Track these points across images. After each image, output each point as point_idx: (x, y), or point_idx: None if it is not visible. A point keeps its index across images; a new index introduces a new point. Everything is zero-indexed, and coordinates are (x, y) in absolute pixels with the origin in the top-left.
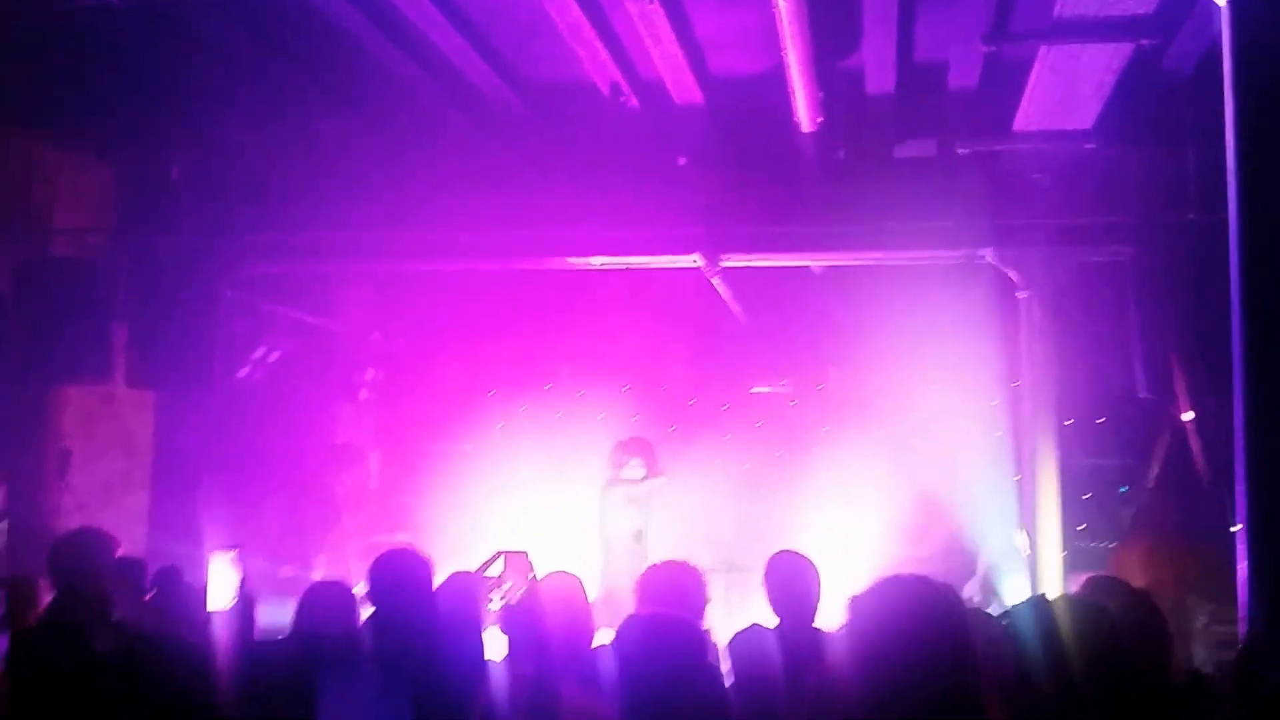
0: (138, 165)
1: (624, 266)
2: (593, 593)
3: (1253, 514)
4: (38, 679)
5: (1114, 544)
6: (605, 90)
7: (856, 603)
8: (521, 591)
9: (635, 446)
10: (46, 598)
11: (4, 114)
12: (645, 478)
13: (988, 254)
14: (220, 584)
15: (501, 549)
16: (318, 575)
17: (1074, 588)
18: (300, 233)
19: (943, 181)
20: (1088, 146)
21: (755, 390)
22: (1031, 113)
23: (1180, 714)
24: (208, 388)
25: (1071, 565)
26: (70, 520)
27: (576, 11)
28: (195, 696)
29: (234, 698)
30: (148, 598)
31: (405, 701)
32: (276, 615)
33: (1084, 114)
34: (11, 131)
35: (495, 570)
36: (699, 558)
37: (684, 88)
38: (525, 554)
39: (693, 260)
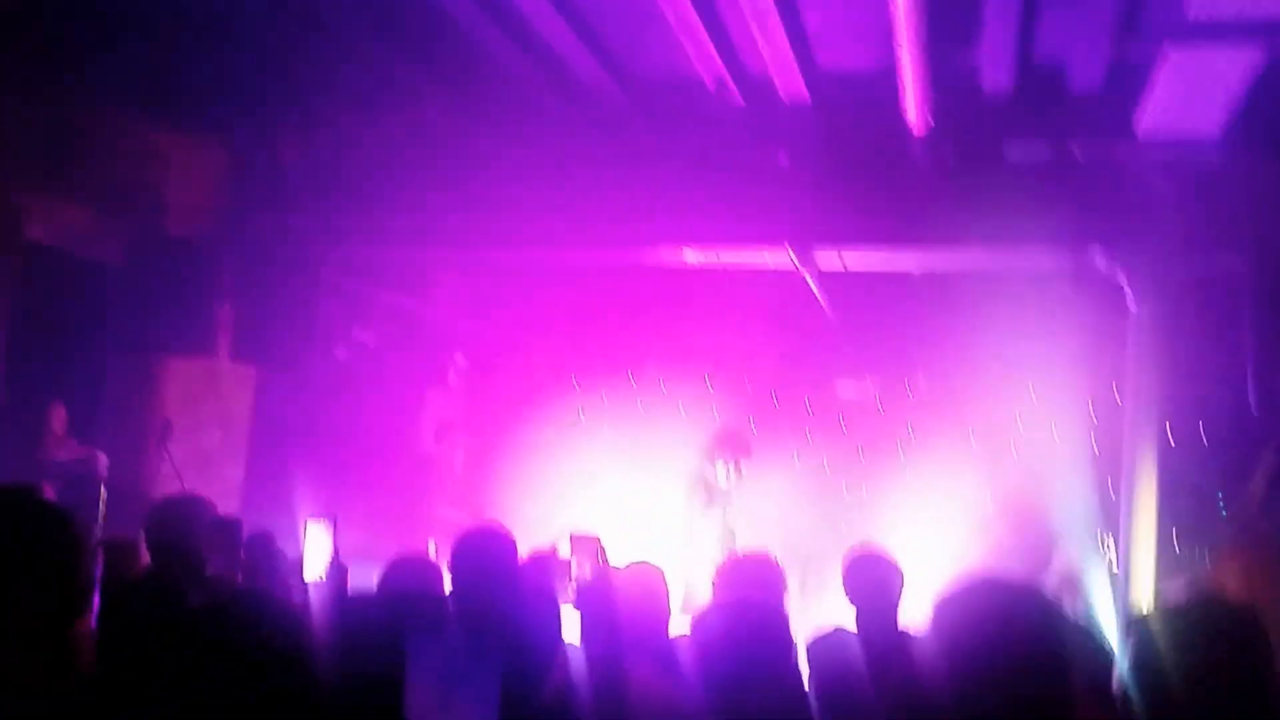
0: (249, 147)
1: (718, 263)
2: (677, 586)
3: None
4: (134, 633)
5: (1209, 560)
6: (710, 85)
7: (945, 604)
8: (589, 574)
9: (732, 440)
10: (144, 561)
11: (120, 96)
12: (739, 472)
13: (1099, 263)
14: (315, 552)
15: (570, 532)
16: (402, 550)
17: (1170, 601)
18: (400, 217)
19: (1056, 187)
20: (1213, 157)
21: (840, 389)
22: (1154, 118)
23: None
24: (306, 366)
25: (1165, 580)
26: (167, 489)
27: (685, 3)
28: (289, 650)
29: (327, 653)
30: (241, 556)
31: (491, 664)
32: (366, 585)
33: (1211, 122)
34: (127, 113)
35: (563, 553)
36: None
37: (790, 84)
38: (595, 538)
39: (788, 259)
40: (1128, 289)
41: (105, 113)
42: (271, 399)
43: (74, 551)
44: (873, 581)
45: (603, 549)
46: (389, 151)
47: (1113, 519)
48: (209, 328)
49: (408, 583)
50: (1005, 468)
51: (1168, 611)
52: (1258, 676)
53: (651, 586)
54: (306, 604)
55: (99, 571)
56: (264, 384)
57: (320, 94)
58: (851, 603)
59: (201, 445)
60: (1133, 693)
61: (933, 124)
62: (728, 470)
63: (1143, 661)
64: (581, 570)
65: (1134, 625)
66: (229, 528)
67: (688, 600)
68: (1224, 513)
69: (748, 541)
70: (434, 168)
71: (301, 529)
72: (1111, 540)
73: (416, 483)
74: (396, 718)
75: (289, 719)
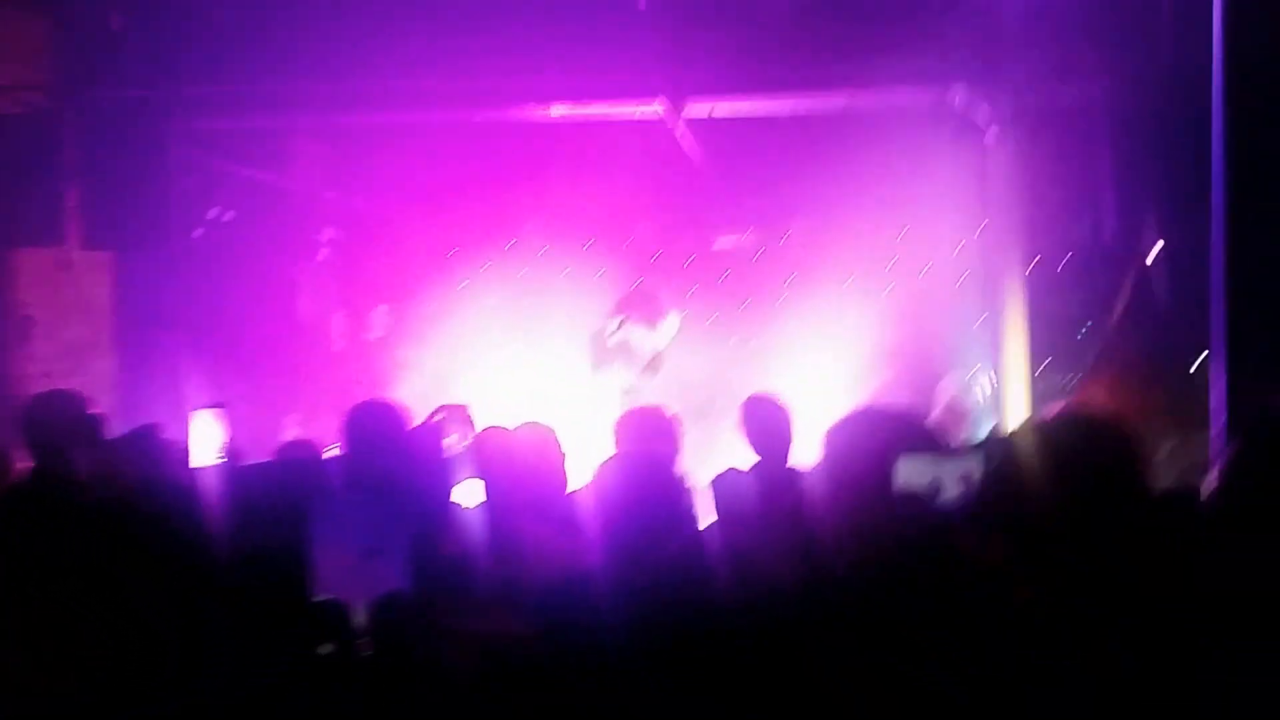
0: (76, 15)
1: (583, 116)
2: (578, 446)
3: (1229, 339)
4: (19, 534)
5: (1079, 379)
6: None
7: (828, 436)
8: (464, 444)
9: (638, 299)
10: (19, 465)
11: None
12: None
13: (958, 94)
14: (204, 441)
15: (442, 404)
16: (289, 435)
17: (1037, 418)
18: (248, 84)
19: (914, 20)
20: None
21: (719, 243)
22: None
23: (1163, 523)
24: (163, 249)
25: (1038, 402)
26: (36, 389)
27: None
28: (184, 533)
29: (224, 530)
30: (114, 451)
31: (392, 531)
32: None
33: None
34: None
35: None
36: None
37: None
38: (465, 407)
39: (655, 109)
40: (985, 123)
41: None
42: (132, 286)
43: None
44: (765, 424)
45: (470, 417)
46: (231, 12)
47: (992, 351)
48: (55, 215)
49: (298, 456)
50: (885, 308)
51: (1033, 428)
52: (1125, 483)
53: (543, 444)
54: (197, 490)
55: None
56: (121, 271)
57: None
58: (746, 445)
59: (66, 340)
60: (1009, 502)
61: None
62: (626, 330)
63: (1003, 476)
64: (453, 439)
65: (990, 443)
66: (90, 421)
67: (590, 459)
68: (1085, 330)
69: (643, 398)
70: (281, 28)
71: (189, 418)
72: (991, 372)
73: (298, 362)
74: (301, 586)
75: (192, 599)
